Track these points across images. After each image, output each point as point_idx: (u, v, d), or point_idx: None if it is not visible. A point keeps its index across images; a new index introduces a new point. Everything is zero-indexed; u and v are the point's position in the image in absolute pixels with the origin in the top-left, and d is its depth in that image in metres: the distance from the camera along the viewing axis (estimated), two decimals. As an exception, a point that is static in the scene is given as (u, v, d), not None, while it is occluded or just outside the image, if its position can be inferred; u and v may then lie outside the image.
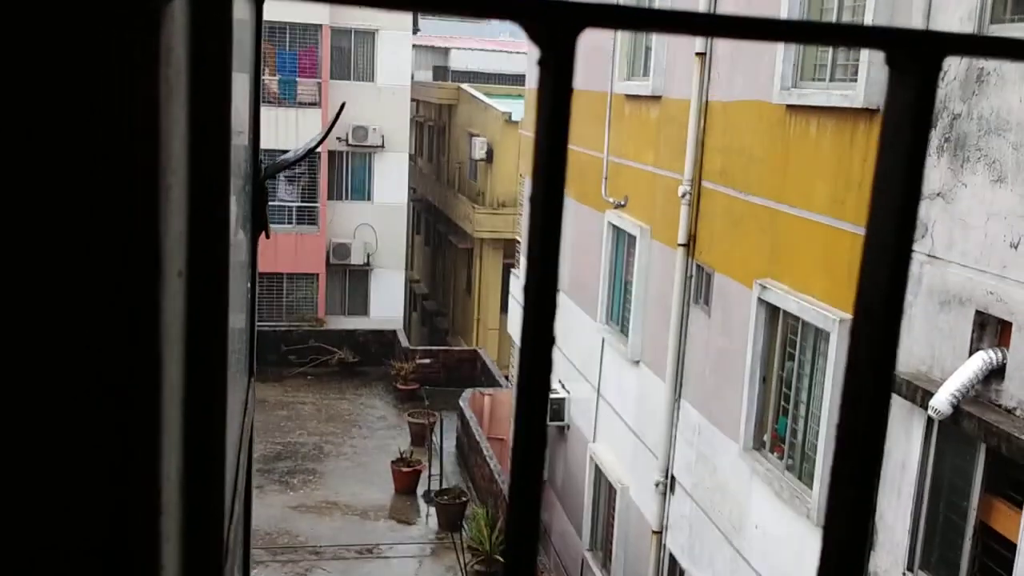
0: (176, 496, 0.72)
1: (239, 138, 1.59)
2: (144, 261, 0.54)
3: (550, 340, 0.50)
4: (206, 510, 0.85)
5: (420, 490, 17.64)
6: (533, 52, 0.49)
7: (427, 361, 23.02)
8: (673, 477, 10.99)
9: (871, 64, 7.34)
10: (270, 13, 24.38)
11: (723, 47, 10.01)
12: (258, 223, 1.85)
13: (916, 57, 0.55)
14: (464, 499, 16.71)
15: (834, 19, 8.15)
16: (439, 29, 45.30)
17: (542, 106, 0.47)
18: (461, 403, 19.25)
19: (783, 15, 8.57)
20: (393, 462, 17.80)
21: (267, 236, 1.91)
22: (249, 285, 1.86)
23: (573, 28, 0.47)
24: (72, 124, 0.50)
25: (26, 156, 0.50)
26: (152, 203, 0.53)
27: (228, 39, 0.83)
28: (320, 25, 25.18)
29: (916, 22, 6.81)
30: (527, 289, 0.49)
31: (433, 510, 16.80)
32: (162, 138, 0.53)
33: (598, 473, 13.33)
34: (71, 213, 0.51)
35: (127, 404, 0.55)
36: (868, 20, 7.38)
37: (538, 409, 0.50)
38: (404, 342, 24.73)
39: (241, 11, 1.50)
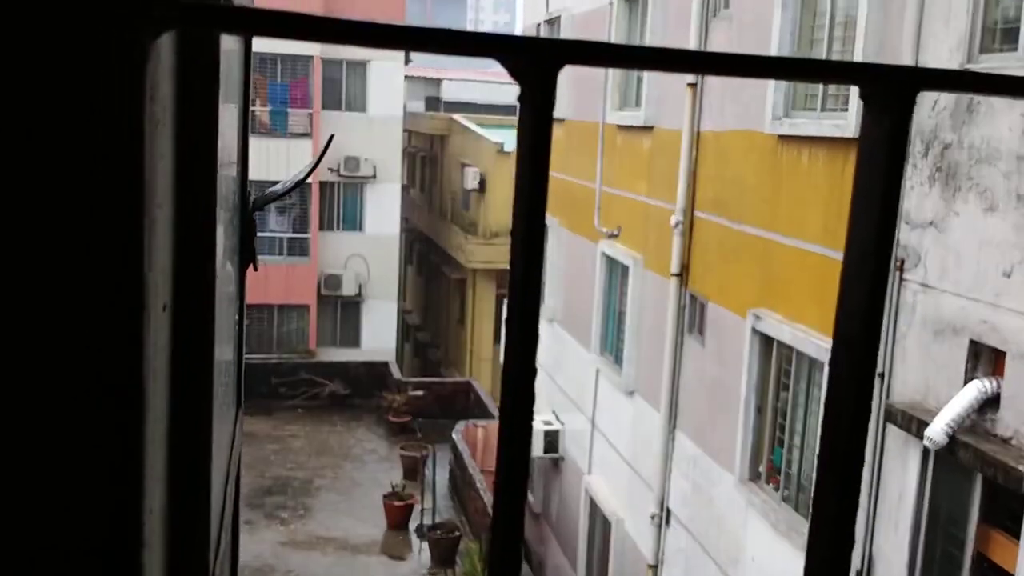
0: (160, 528, 0.71)
1: (227, 169, 1.59)
2: (128, 295, 0.53)
3: (532, 371, 0.50)
4: (191, 543, 0.84)
5: (413, 525, 17.49)
6: (515, 89, 0.50)
7: (419, 393, 22.92)
8: (669, 509, 10.93)
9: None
10: (261, 45, 24.51)
11: (714, 78, 10.09)
12: (246, 255, 1.84)
13: (890, 92, 0.56)
14: (457, 534, 16.57)
15: (824, 49, 8.23)
16: (431, 60, 45.62)
17: (522, 141, 0.48)
18: (454, 435, 19.16)
19: (773, 45, 8.65)
20: (385, 496, 17.66)
21: (255, 268, 1.90)
22: (237, 317, 1.85)
23: (552, 65, 0.48)
24: (56, 159, 0.51)
25: (11, 189, 0.50)
26: (136, 238, 0.53)
27: (215, 75, 0.83)
28: (311, 56, 25.33)
29: (906, 51, 6.88)
30: (508, 325, 0.49)
31: (426, 545, 16.65)
32: (147, 174, 0.53)
33: (593, 505, 13.25)
34: (53, 247, 0.51)
35: (109, 437, 0.55)
36: (858, 49, 7.45)
37: (521, 435, 0.50)
38: (396, 374, 24.64)
39: (229, 42, 1.50)
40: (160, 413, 0.70)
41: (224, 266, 1.58)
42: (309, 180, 25.06)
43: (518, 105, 0.49)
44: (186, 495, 0.81)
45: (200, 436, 0.84)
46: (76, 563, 0.56)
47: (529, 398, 0.51)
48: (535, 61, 0.47)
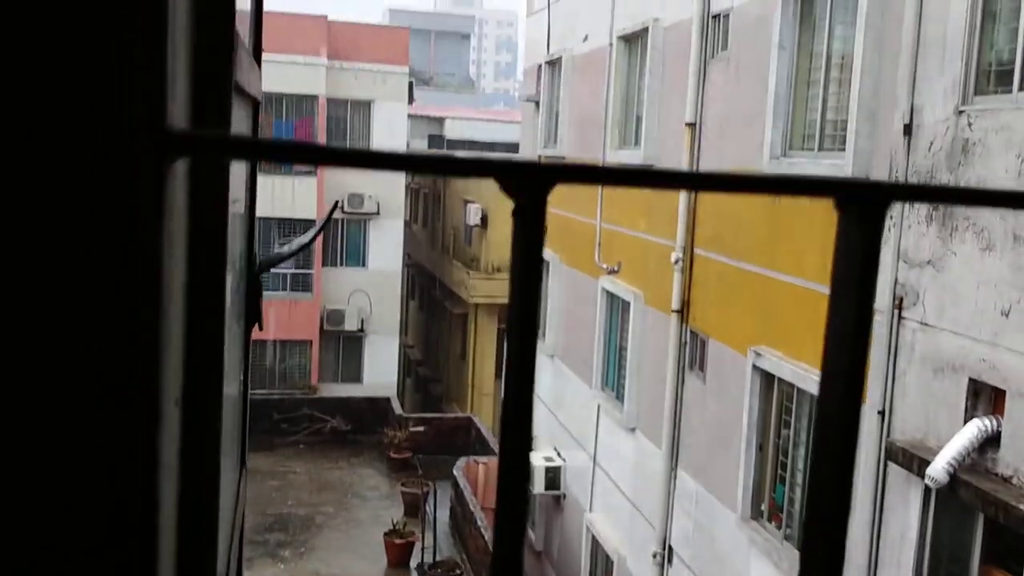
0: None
1: (236, 238, 1.63)
2: (143, 398, 0.56)
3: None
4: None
5: (413, 562, 17.36)
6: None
7: (421, 429, 22.86)
8: (671, 547, 10.87)
9: (858, 134, 7.47)
10: (267, 84, 24.76)
11: (712, 117, 10.18)
12: (252, 316, 1.87)
13: (863, 204, 0.59)
14: (458, 572, 16.45)
15: (820, 90, 8.31)
16: (434, 99, 46.01)
17: (515, 252, 0.51)
18: (455, 472, 19.07)
19: (771, 85, 8.74)
20: (386, 534, 17.56)
21: (260, 328, 1.93)
22: (242, 378, 1.87)
23: (543, 185, 0.51)
24: (77, 284, 0.54)
25: (35, 300, 0.54)
26: (152, 345, 0.56)
27: (224, 191, 0.87)
28: (316, 96, 25.56)
29: (901, 93, 6.96)
30: (502, 438, 0.52)
31: (427, 582, 16.53)
32: (164, 287, 0.56)
33: (595, 543, 13.17)
34: (75, 359, 0.54)
35: (122, 540, 0.57)
36: (854, 91, 7.52)
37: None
38: (398, 409, 24.59)
39: (238, 120, 1.55)
40: (170, 510, 0.73)
41: (231, 329, 1.61)
42: (313, 216, 25.17)
43: (512, 218, 0.51)
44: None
45: (205, 534, 0.86)
46: None
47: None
48: (527, 181, 0.50)
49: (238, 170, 1.72)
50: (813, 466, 0.61)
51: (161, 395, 0.58)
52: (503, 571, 0.54)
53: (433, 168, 0.53)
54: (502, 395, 0.53)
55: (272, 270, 25.61)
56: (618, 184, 0.57)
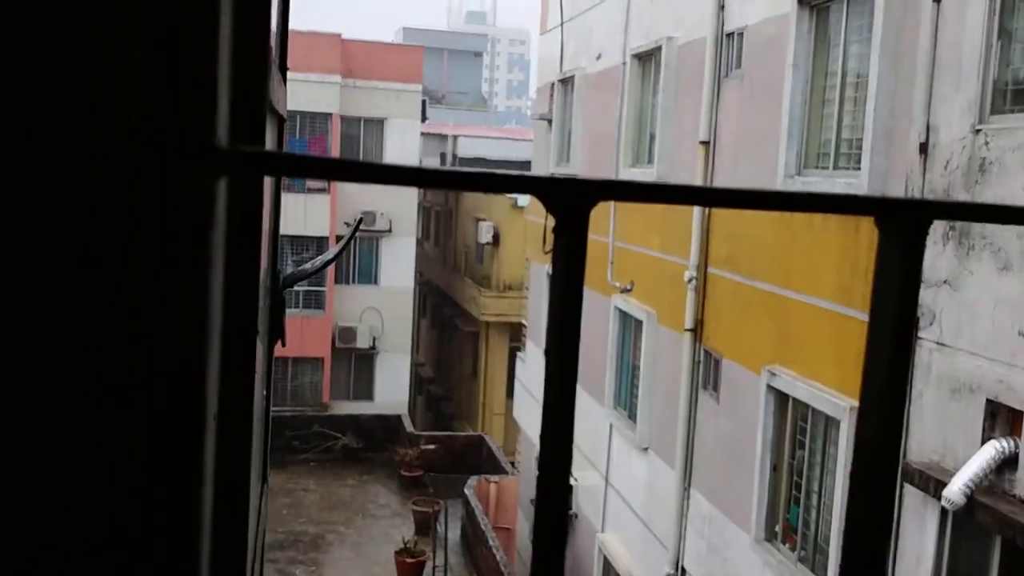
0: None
1: (262, 255, 1.64)
2: (190, 409, 0.58)
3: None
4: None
5: (425, 580, 17.30)
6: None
7: (432, 447, 22.82)
8: (683, 569, 10.78)
9: (874, 152, 7.45)
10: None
11: (726, 135, 10.18)
12: (275, 333, 1.87)
13: (904, 223, 0.58)
14: (470, 589, 16.38)
15: (835, 109, 8.30)
16: (447, 117, 46.19)
17: (556, 270, 0.52)
18: (466, 491, 19.02)
19: (785, 105, 8.73)
20: (396, 552, 17.50)
21: (283, 344, 1.93)
22: (265, 392, 1.87)
23: (586, 202, 0.51)
24: (127, 293, 0.55)
25: (86, 316, 0.55)
26: (202, 354, 0.57)
27: (259, 207, 0.88)
28: (330, 114, 25.70)
29: (917, 112, 6.93)
30: (541, 468, 0.51)
31: (438, 601, 16.46)
32: (212, 301, 0.58)
33: (607, 564, 13.08)
34: (125, 380, 0.56)
35: (166, 550, 0.58)
36: (869, 110, 7.51)
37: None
38: (409, 427, 24.56)
39: (268, 139, 1.55)
40: (207, 525, 0.73)
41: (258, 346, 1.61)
42: (327, 234, 25.25)
43: (554, 235, 0.51)
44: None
45: (237, 547, 0.86)
46: None
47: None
48: (570, 199, 0.51)
49: (263, 188, 1.73)
50: (852, 487, 0.60)
51: (207, 408, 0.59)
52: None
53: (475, 185, 0.53)
54: (541, 417, 0.52)
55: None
56: (658, 201, 0.57)
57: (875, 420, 0.61)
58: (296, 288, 25.98)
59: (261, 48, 0.90)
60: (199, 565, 0.60)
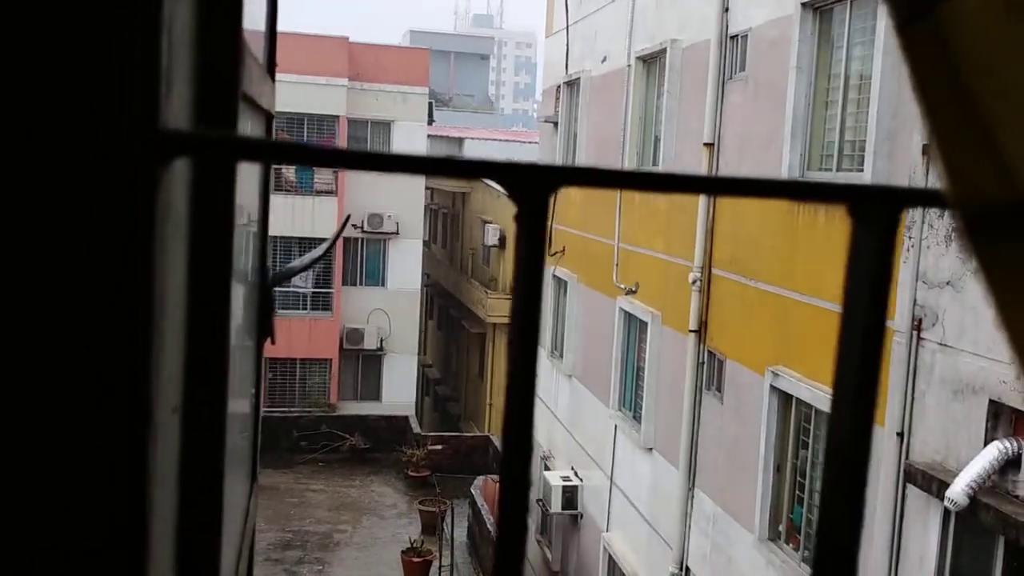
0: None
1: (247, 249, 1.65)
2: (134, 403, 0.55)
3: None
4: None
5: (431, 581, 17.33)
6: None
7: (439, 447, 22.85)
8: (688, 568, 10.81)
9: (877, 153, 7.47)
10: (288, 104, 24.91)
11: (731, 137, 10.20)
12: (264, 330, 1.89)
13: (876, 210, 0.60)
14: (476, 590, 16.40)
15: (839, 111, 8.32)
16: (454, 120, 46.22)
17: (518, 256, 0.50)
18: (473, 491, 19.04)
19: (789, 106, 8.75)
20: (403, 552, 17.53)
21: (272, 342, 1.95)
22: (254, 391, 1.89)
23: (546, 188, 0.50)
24: (66, 283, 0.54)
25: (24, 300, 0.53)
26: (144, 349, 0.55)
27: (229, 197, 0.89)
28: (337, 116, 25.75)
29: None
30: (504, 448, 0.52)
31: (444, 601, 16.48)
32: (156, 289, 0.56)
33: (612, 564, 13.10)
34: (61, 363, 0.54)
35: (111, 550, 0.56)
36: (872, 112, 7.53)
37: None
38: (416, 428, 24.58)
39: (252, 133, 1.57)
40: (168, 521, 0.73)
41: (244, 341, 1.63)
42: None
43: (515, 222, 0.50)
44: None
45: (208, 545, 0.87)
46: None
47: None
48: (531, 185, 0.50)
49: (251, 185, 1.75)
50: (825, 486, 0.59)
51: (152, 400, 0.57)
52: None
53: (434, 169, 0.51)
54: (504, 404, 0.52)
55: (292, 289, 25.77)
56: (622, 187, 0.57)
57: (847, 413, 0.59)
58: (303, 290, 26.04)
59: (232, 37, 0.90)
60: (145, 560, 0.58)
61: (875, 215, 0.59)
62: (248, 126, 1.37)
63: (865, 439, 0.57)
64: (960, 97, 0.52)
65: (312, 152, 0.52)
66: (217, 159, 0.81)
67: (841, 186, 0.61)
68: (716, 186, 0.59)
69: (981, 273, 0.53)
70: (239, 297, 1.49)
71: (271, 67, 1.90)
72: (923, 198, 0.64)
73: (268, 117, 1.81)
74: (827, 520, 0.57)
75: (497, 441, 23.14)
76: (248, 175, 1.58)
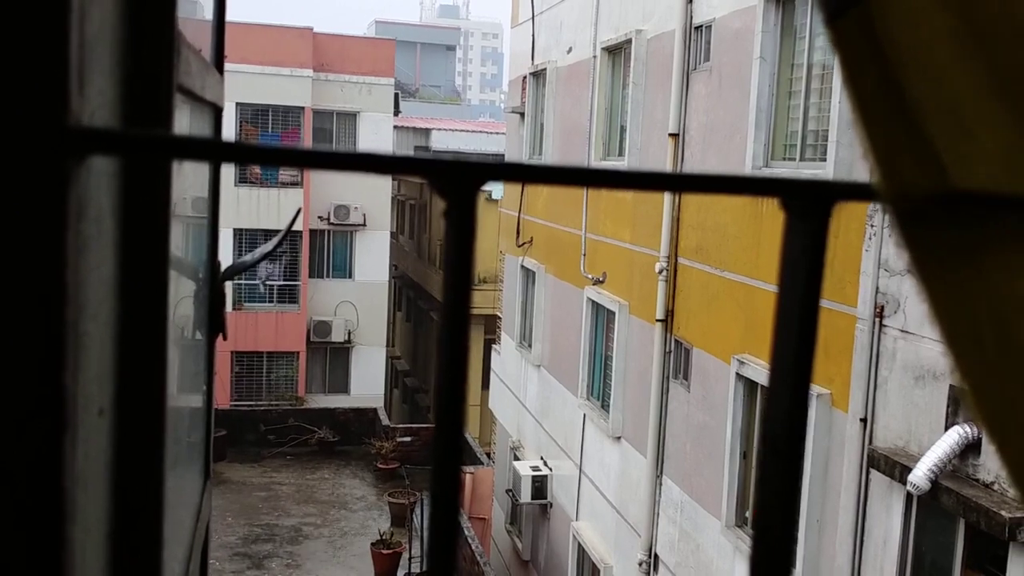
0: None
1: (197, 242, 1.64)
2: (50, 409, 0.54)
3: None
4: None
5: (400, 572, 17.32)
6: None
7: (408, 439, 22.81)
8: (656, 555, 10.89)
9: (839, 143, 7.54)
10: (253, 96, 24.66)
11: (696, 127, 10.25)
12: (215, 326, 1.87)
13: (809, 204, 0.60)
14: (446, 581, 16.39)
15: (802, 100, 8.39)
16: (420, 111, 46.03)
17: (448, 250, 0.51)
18: (443, 482, 19.01)
19: (753, 96, 8.81)
20: (373, 544, 17.51)
21: (224, 338, 1.94)
22: (206, 387, 1.88)
23: (471, 183, 0.51)
24: None
25: None
26: (58, 353, 0.53)
27: (164, 194, 0.87)
28: (302, 107, 25.56)
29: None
30: (436, 429, 0.53)
31: (414, 593, 16.49)
32: (69, 293, 0.54)
33: (581, 552, 13.17)
34: None
35: (32, 559, 0.54)
36: (835, 101, 7.60)
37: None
38: (385, 420, 24.53)
39: (199, 127, 1.55)
40: (95, 518, 0.71)
41: (193, 335, 1.61)
42: (301, 228, 25.12)
43: (444, 217, 0.51)
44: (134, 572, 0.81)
45: (146, 545, 0.85)
46: None
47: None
48: (455, 180, 0.50)
49: (200, 178, 1.73)
50: (761, 464, 0.59)
51: (68, 401, 0.55)
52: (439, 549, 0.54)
53: (360, 166, 0.51)
54: (433, 388, 0.52)
55: (259, 283, 25.58)
56: (545, 182, 0.56)
57: (782, 402, 0.60)
58: (270, 283, 25.86)
59: (164, 29, 0.87)
60: (63, 563, 0.56)
61: (808, 209, 0.60)
62: (187, 120, 1.35)
63: (800, 428, 0.57)
64: (889, 90, 0.52)
65: (232, 149, 0.51)
66: (142, 156, 0.79)
67: (773, 180, 0.61)
68: (647, 181, 0.59)
69: (914, 266, 0.54)
70: (186, 292, 1.47)
71: (219, 58, 1.88)
72: (855, 192, 0.65)
73: (216, 110, 1.78)
74: (763, 502, 0.57)
75: (466, 432, 23.16)
76: (196, 169, 1.56)
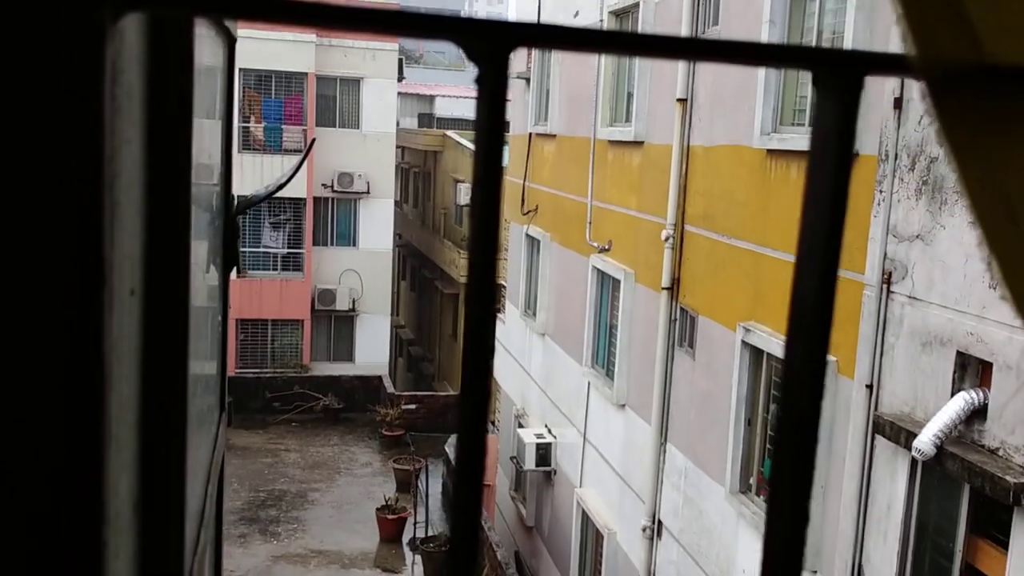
0: (128, 512, 0.72)
1: (210, 174, 1.61)
2: (88, 275, 0.54)
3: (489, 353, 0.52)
4: (164, 534, 0.84)
5: (406, 538, 17.45)
6: (472, 71, 0.52)
7: (412, 407, 22.91)
8: (660, 522, 10.92)
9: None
10: (256, 62, 24.54)
11: (704, 93, 10.15)
12: (230, 259, 1.86)
13: (840, 76, 0.57)
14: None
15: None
16: (424, 77, 45.77)
17: (478, 119, 0.49)
18: (447, 449, 19.13)
19: (760, 71, 8.69)
20: (378, 509, 17.63)
21: (239, 272, 1.93)
22: (220, 318, 1.86)
23: (506, 46, 0.49)
24: (8, 139, 0.52)
25: None
26: (95, 218, 0.53)
27: (189, 65, 0.84)
28: (306, 73, 25.41)
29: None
30: (467, 300, 0.50)
31: (419, 558, 16.61)
32: (107, 153, 0.53)
33: (585, 518, 13.23)
34: (8, 222, 0.52)
35: (68, 417, 0.55)
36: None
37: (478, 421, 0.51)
38: (390, 388, 24.62)
39: (213, 56, 1.52)
40: (127, 397, 0.71)
41: (208, 267, 1.59)
42: (304, 195, 25.07)
43: (475, 86, 0.49)
44: (159, 483, 0.82)
45: (174, 423, 0.85)
46: (34, 532, 0.55)
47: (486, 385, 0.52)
48: (490, 42, 0.48)
49: (212, 126, 1.70)
50: (787, 345, 0.58)
51: (107, 276, 0.55)
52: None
53: (384, 27, 0.48)
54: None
55: (263, 250, 25.56)
56: (583, 49, 0.54)
57: (809, 280, 0.59)
58: (275, 251, 25.85)
59: None
60: (103, 466, 0.57)
61: (839, 81, 0.57)
62: (210, 48, 1.33)
63: (828, 305, 0.56)
64: None
65: (257, 4, 0.47)
66: (173, 22, 0.77)
67: (803, 48, 0.59)
68: (682, 48, 0.55)
69: (943, 134, 0.54)
70: (206, 220, 1.45)
71: None
72: (886, 62, 0.62)
73: (231, 41, 1.76)
74: (788, 382, 0.56)
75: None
76: (211, 121, 1.53)
